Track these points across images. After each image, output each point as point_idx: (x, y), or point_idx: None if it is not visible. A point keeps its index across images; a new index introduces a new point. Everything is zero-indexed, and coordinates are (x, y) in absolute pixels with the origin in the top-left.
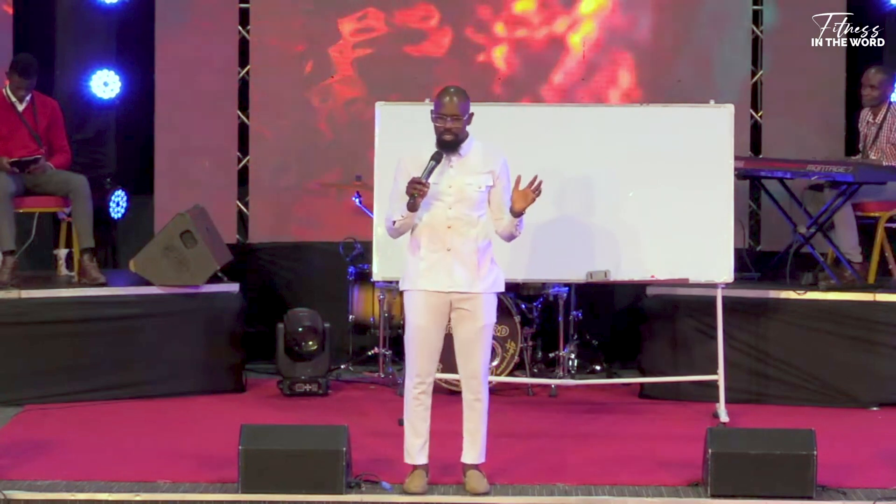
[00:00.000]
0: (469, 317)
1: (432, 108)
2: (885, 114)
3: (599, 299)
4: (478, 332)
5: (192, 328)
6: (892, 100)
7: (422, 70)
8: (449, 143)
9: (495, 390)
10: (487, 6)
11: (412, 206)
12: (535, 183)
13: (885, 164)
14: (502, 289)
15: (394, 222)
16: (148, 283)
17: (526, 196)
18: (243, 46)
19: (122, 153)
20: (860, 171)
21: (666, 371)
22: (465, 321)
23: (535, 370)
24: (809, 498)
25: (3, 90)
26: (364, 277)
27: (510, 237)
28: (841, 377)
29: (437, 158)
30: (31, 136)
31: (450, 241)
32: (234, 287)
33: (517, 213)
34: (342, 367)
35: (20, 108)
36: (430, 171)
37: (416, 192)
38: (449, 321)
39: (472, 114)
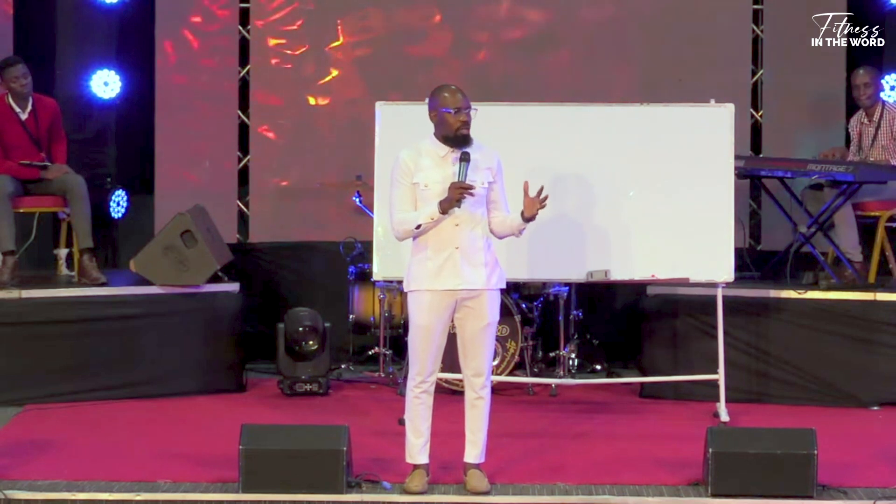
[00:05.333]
0: (474, 315)
1: (438, 105)
2: (880, 111)
3: (600, 299)
4: (482, 330)
5: (192, 328)
6: (883, 98)
7: (422, 70)
8: (466, 136)
9: (496, 390)
10: (487, 6)
11: (445, 210)
12: (542, 196)
13: (891, 161)
14: (504, 285)
15: (418, 226)
16: (148, 283)
17: (534, 204)
18: (243, 46)
19: (122, 153)
20: (860, 171)
21: (666, 370)
22: (470, 319)
23: (536, 369)
24: (810, 497)
25: (6, 99)
26: (364, 277)
27: (506, 236)
28: (841, 377)
29: (465, 158)
30: (33, 144)
31: (458, 239)
32: (234, 287)
33: (528, 219)
34: (342, 366)
35: (23, 116)
36: (465, 173)
37: (464, 195)
38: (452, 320)
39: None
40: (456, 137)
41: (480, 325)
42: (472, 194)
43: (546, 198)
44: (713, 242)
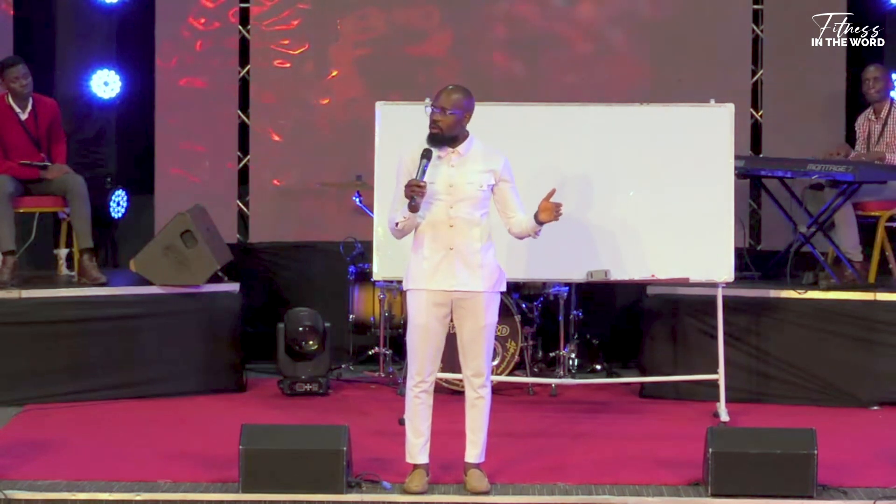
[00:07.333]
0: (471, 316)
1: None
2: (888, 109)
3: (600, 299)
4: (480, 331)
5: (192, 328)
6: (892, 97)
7: (422, 70)
8: (434, 136)
9: (496, 390)
10: (487, 6)
11: (413, 208)
12: (558, 209)
13: (892, 158)
14: (504, 289)
15: (396, 224)
16: (148, 283)
17: (550, 212)
18: (243, 46)
19: (122, 153)
20: (860, 171)
21: (666, 370)
22: (467, 320)
23: (536, 369)
24: (810, 497)
25: (6, 99)
26: (364, 277)
27: (524, 237)
28: (841, 377)
29: (427, 156)
30: (33, 144)
31: (452, 240)
32: (234, 287)
33: (540, 223)
34: (342, 366)
35: (23, 116)
36: (423, 170)
37: (415, 193)
38: (451, 320)
39: (469, 113)
40: (427, 137)
41: (478, 327)
42: (421, 192)
43: (560, 212)
44: (713, 242)
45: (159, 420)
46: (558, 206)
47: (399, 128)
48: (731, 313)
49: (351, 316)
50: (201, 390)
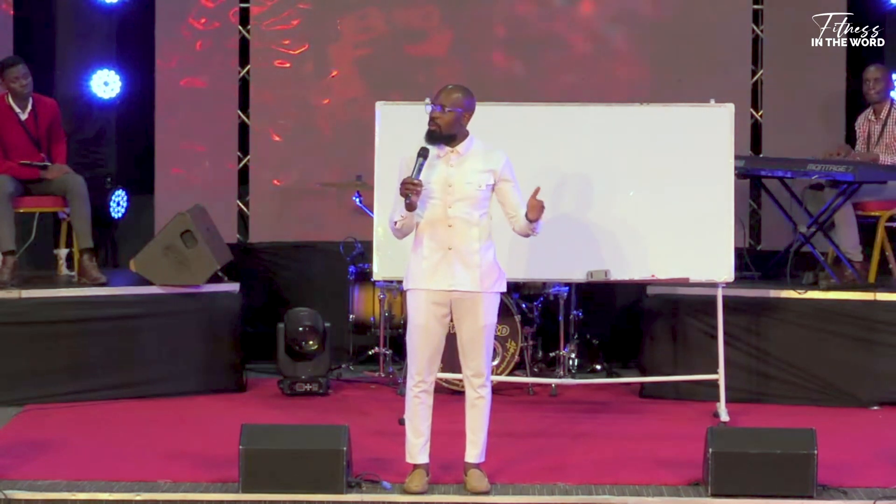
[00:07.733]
0: (470, 316)
1: None
2: (888, 110)
3: (600, 299)
4: (479, 331)
5: (192, 328)
6: (892, 97)
7: (422, 70)
8: (432, 133)
9: (496, 390)
10: (487, 6)
11: (409, 207)
12: (541, 205)
13: (889, 158)
14: (504, 289)
15: (395, 223)
16: (148, 283)
17: (535, 209)
18: (243, 46)
19: (122, 153)
20: (860, 171)
21: (666, 370)
22: (466, 320)
23: (536, 369)
24: (810, 497)
25: (6, 99)
26: (364, 277)
27: (526, 236)
28: (841, 377)
29: (423, 154)
30: (33, 144)
31: (451, 240)
32: (234, 287)
33: (530, 220)
34: (342, 366)
35: (23, 116)
36: (419, 168)
37: (410, 191)
38: (451, 321)
39: (469, 112)
40: (425, 134)
41: (477, 327)
42: (416, 191)
43: (542, 205)
44: (713, 242)
45: (159, 420)
46: (540, 202)
47: (399, 128)
48: (731, 313)
49: (351, 316)
50: (201, 390)
